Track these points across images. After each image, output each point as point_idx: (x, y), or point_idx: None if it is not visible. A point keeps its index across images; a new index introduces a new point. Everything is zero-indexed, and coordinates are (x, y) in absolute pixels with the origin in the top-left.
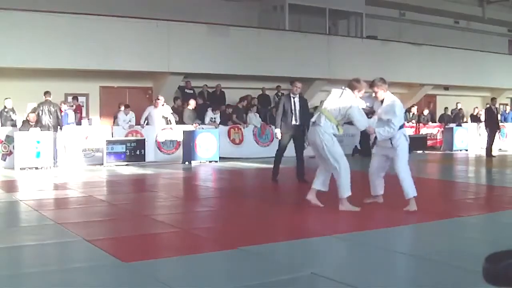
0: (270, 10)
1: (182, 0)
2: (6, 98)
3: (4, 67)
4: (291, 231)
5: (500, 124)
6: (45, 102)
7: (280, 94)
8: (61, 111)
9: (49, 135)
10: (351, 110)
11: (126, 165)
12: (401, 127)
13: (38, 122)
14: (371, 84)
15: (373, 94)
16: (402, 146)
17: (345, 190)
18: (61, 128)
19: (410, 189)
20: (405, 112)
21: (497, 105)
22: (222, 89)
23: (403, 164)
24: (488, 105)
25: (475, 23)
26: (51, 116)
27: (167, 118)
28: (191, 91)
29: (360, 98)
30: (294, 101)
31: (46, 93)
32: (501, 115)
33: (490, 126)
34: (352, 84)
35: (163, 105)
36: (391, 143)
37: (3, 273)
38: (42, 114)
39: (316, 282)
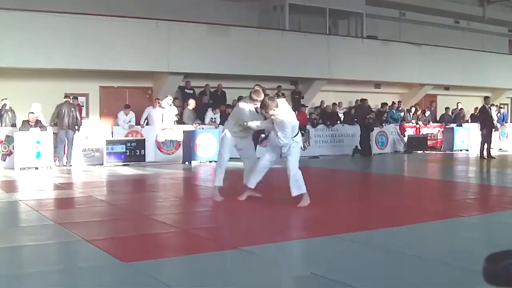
0: (270, 10)
1: (182, 0)
2: (3, 99)
3: (4, 67)
4: (291, 231)
5: (499, 125)
6: (65, 103)
7: (281, 93)
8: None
9: (49, 135)
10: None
11: (126, 165)
12: (297, 134)
13: (58, 122)
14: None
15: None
16: (295, 150)
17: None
18: (78, 129)
19: (301, 185)
20: (406, 112)
21: (493, 103)
22: (223, 89)
23: (294, 163)
24: (483, 105)
25: (475, 23)
26: (70, 117)
27: (176, 120)
28: (191, 91)
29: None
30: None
31: (66, 96)
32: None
33: (486, 126)
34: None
35: (171, 105)
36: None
37: (3, 273)
38: (62, 115)
39: (316, 282)
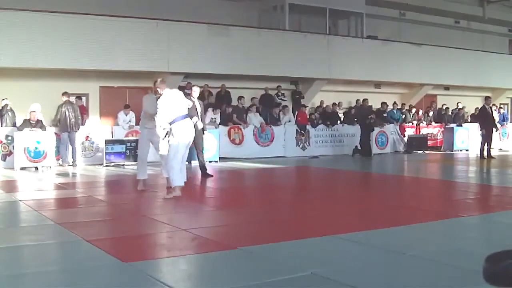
0: (270, 10)
1: (182, 0)
2: (4, 99)
3: (4, 67)
4: (291, 231)
5: (500, 124)
6: (66, 102)
7: (281, 93)
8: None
9: (49, 135)
10: None
11: (126, 165)
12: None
13: (61, 124)
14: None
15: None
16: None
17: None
18: (78, 128)
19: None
20: (407, 112)
21: (494, 103)
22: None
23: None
24: (483, 105)
25: (475, 23)
26: (73, 117)
27: None
28: None
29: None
30: (195, 104)
31: (65, 93)
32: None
33: (485, 126)
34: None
35: None
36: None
37: (3, 273)
38: (66, 115)
39: (316, 282)
